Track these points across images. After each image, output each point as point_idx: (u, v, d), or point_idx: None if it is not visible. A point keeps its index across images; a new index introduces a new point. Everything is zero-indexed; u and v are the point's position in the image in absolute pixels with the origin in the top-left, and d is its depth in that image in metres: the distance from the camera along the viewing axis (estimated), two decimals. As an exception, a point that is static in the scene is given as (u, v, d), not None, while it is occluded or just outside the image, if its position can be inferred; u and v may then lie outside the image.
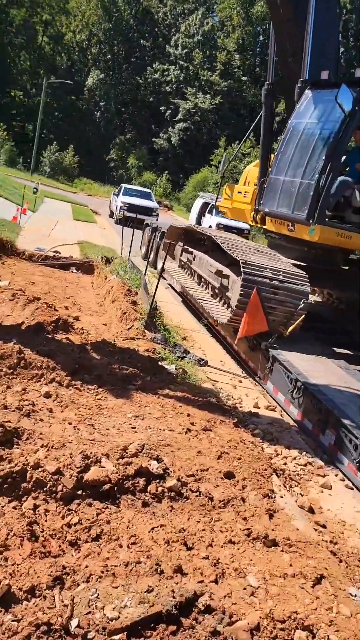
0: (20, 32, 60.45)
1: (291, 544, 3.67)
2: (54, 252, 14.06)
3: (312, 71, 8.67)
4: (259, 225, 10.16)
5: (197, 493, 4.00)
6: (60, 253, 14.14)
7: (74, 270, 13.24)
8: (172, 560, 3.28)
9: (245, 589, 3.16)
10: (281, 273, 7.67)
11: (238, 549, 3.53)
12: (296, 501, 4.54)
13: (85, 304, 10.10)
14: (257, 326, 7.33)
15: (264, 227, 9.70)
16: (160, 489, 3.89)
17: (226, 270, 8.72)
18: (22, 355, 5.38)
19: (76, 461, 3.85)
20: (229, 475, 4.35)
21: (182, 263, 11.79)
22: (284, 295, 7.47)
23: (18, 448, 4.04)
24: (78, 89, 58.26)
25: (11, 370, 5.20)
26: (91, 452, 4.01)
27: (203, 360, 7.50)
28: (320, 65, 8.53)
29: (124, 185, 29.09)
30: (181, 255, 11.89)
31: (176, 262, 12.37)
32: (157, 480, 3.95)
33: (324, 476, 5.21)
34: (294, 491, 4.77)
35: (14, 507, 3.49)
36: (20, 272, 11.27)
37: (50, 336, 6.66)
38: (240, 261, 7.56)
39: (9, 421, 4.32)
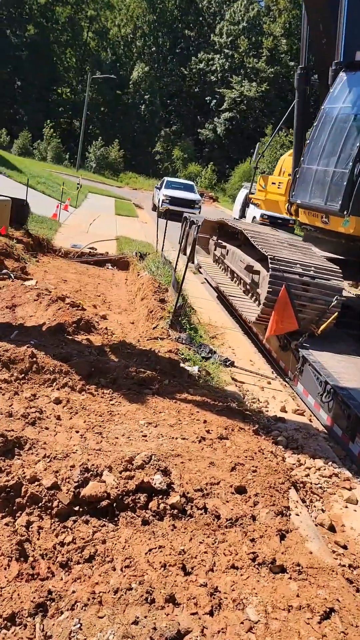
0: (65, 30, 61.26)
1: (301, 570, 3.37)
2: (90, 248, 14.01)
3: (346, 52, 8.15)
4: (294, 218, 9.72)
5: (203, 510, 3.74)
6: (96, 249, 14.08)
7: (109, 267, 13.15)
8: (167, 588, 3.06)
9: (242, 623, 2.90)
10: (312, 268, 7.26)
11: (241, 575, 3.26)
12: (315, 518, 4.20)
13: (116, 301, 9.98)
14: (287, 325, 6.97)
15: (298, 219, 9.26)
16: (162, 505, 3.66)
17: (257, 266, 8.36)
18: (35, 359, 5.27)
19: (74, 475, 3.68)
20: (241, 490, 4.06)
21: (216, 258, 11.47)
22: (315, 292, 7.06)
23: (19, 459, 3.90)
24: (123, 83, 58.41)
25: (22, 375, 5.10)
26: (93, 465, 3.82)
27: (229, 360, 7.20)
28: (355, 46, 7.99)
29: (166, 178, 28.89)
30: (215, 249, 11.57)
31: (210, 256, 12.06)
32: (160, 496, 3.72)
33: (350, 489, 4.81)
34: (314, 507, 4.41)
35: (6, 524, 3.35)
36: (54, 270, 11.27)
37: (70, 337, 6.54)
38: (269, 256, 7.20)
39: (12, 430, 4.20)
